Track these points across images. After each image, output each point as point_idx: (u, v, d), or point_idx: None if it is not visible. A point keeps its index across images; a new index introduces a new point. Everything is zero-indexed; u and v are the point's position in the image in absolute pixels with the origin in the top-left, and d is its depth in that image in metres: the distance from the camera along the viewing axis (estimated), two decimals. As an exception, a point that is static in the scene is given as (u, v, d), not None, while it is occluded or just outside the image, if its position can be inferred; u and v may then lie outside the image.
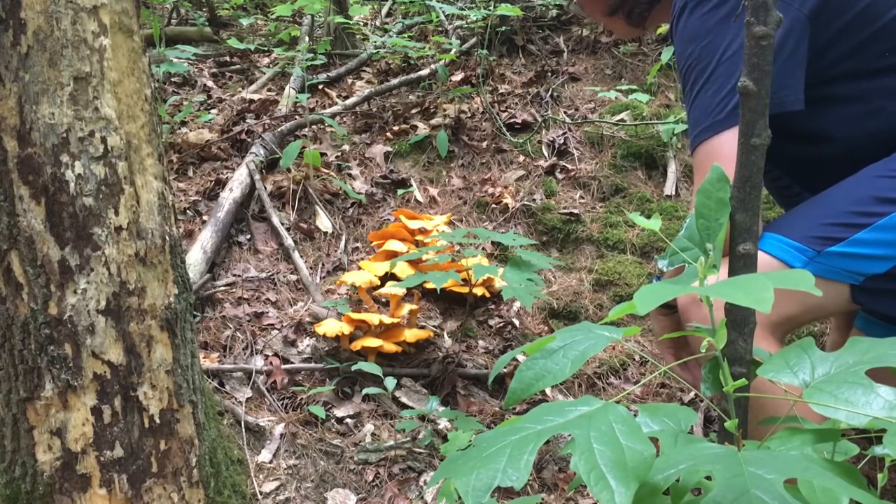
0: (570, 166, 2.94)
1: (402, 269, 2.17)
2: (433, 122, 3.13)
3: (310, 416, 1.79)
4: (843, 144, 1.50)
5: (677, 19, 1.52)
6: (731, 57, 1.42)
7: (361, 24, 4.49)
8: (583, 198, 2.81)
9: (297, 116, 3.13)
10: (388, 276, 2.17)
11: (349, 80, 3.77)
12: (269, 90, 3.70)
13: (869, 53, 1.45)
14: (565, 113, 3.29)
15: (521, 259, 2.01)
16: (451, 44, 3.81)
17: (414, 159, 2.99)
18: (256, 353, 1.99)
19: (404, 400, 1.90)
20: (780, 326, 1.39)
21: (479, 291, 2.23)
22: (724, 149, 1.39)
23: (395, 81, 3.59)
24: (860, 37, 1.44)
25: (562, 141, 3.04)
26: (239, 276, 2.30)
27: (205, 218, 2.52)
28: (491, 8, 3.55)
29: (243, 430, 1.70)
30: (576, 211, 2.69)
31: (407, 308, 2.09)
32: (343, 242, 2.54)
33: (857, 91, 1.47)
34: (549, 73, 3.62)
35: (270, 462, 1.66)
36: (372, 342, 1.92)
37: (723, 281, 0.73)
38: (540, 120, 3.18)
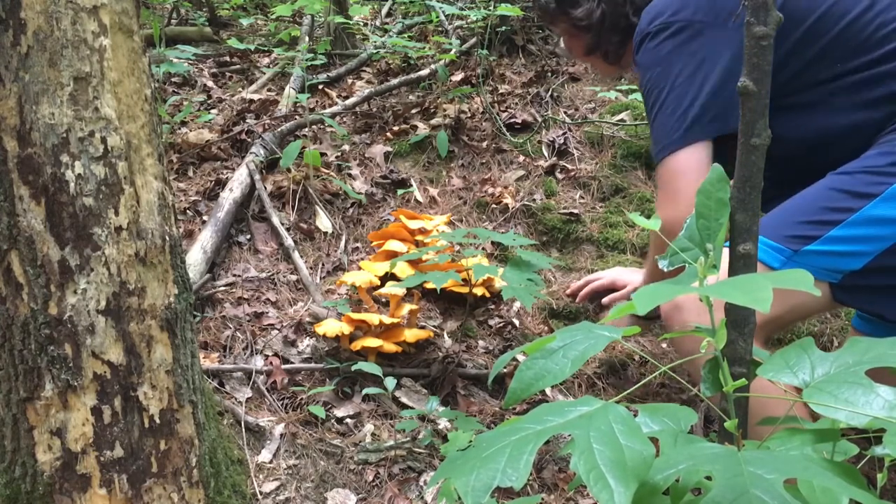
0: (570, 166, 2.94)
1: (402, 269, 2.17)
2: (433, 122, 3.13)
3: (310, 416, 1.79)
4: (803, 148, 1.55)
5: (636, 51, 1.68)
6: (682, 83, 1.57)
7: (361, 24, 4.48)
8: (583, 198, 2.81)
9: (297, 116, 3.13)
10: (388, 276, 2.17)
11: (349, 80, 3.77)
12: (269, 90, 3.70)
13: (819, 67, 1.50)
14: (565, 113, 3.29)
15: (521, 259, 2.01)
16: (451, 44, 3.81)
17: (414, 159, 2.99)
18: (256, 353, 1.99)
19: (404, 400, 1.90)
20: (764, 328, 1.40)
21: (479, 291, 2.23)
22: (681, 165, 1.55)
23: (395, 81, 3.59)
24: (809, 54, 1.50)
25: (562, 141, 3.04)
26: (239, 276, 2.30)
27: (205, 218, 2.52)
28: (491, 8, 3.55)
29: (243, 430, 1.70)
30: (576, 211, 2.69)
31: (407, 308, 2.09)
32: (343, 242, 2.54)
33: (812, 100, 1.53)
34: (549, 73, 3.62)
35: (270, 462, 1.66)
36: (372, 342, 1.92)
37: (721, 281, 0.73)
38: (540, 120, 3.19)
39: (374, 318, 1.96)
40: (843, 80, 1.49)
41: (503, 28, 3.86)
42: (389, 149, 3.00)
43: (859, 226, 1.36)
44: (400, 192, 2.79)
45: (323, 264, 2.44)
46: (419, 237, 2.35)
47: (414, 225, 2.36)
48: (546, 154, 3.03)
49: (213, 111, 3.41)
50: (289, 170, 2.68)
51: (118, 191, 1.16)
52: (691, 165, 1.56)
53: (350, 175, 2.84)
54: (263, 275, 2.32)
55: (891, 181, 1.36)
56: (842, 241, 1.37)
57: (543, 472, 1.74)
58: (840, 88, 1.50)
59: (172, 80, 3.76)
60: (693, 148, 1.57)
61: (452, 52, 3.73)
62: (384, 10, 4.96)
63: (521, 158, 3.01)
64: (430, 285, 1.98)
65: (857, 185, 1.39)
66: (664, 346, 2.18)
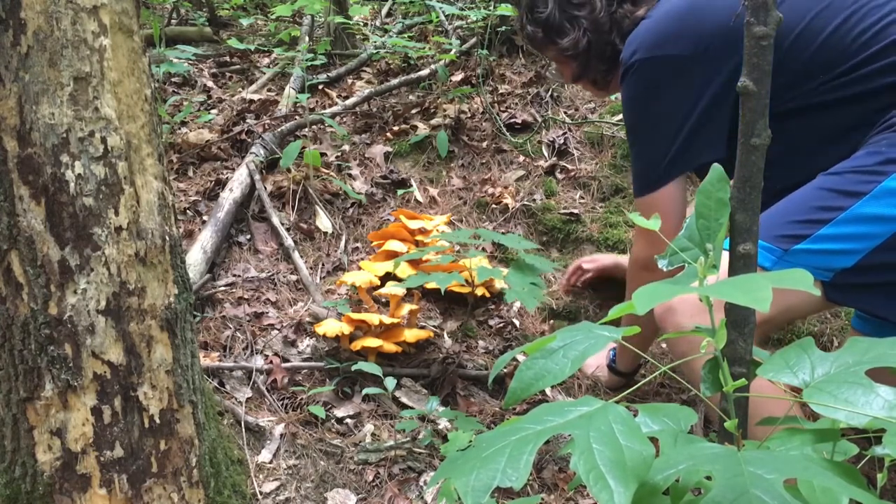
0: (570, 166, 2.94)
1: (403, 269, 2.17)
2: (433, 122, 3.13)
3: (310, 416, 1.79)
4: (796, 151, 1.56)
5: (621, 82, 1.70)
6: (661, 123, 1.64)
7: (361, 24, 4.48)
8: (583, 198, 2.81)
9: (297, 116, 3.13)
10: (388, 276, 2.17)
11: (349, 80, 3.77)
12: (269, 90, 3.70)
13: (803, 80, 1.52)
14: (565, 113, 3.29)
15: (523, 263, 2.02)
16: (451, 44, 3.81)
17: (414, 159, 2.99)
18: (256, 354, 1.99)
19: (404, 400, 1.90)
20: (759, 328, 1.40)
21: (479, 291, 2.23)
22: (659, 205, 1.65)
23: (395, 81, 3.59)
24: (792, 70, 1.50)
25: (562, 141, 3.04)
26: (239, 276, 2.30)
27: (205, 218, 2.52)
28: (491, 8, 3.55)
29: (243, 430, 1.70)
30: (576, 211, 2.69)
31: (407, 308, 2.09)
32: (343, 242, 2.54)
33: (800, 106, 1.53)
34: (549, 73, 3.62)
35: (270, 462, 1.66)
36: (372, 342, 1.92)
37: (721, 281, 0.73)
38: (540, 120, 3.18)
39: (374, 318, 1.96)
40: (828, 86, 1.49)
41: (503, 28, 3.85)
42: (389, 149, 3.00)
43: (849, 224, 1.36)
44: (400, 192, 2.79)
45: (323, 264, 2.44)
46: (419, 237, 2.35)
47: (414, 225, 2.36)
48: (546, 154, 3.03)
49: (213, 111, 3.41)
50: (289, 170, 2.68)
51: (118, 191, 1.16)
52: (668, 207, 1.64)
53: (350, 175, 2.84)
54: (263, 275, 2.32)
55: (879, 179, 1.36)
56: (832, 240, 1.37)
57: (543, 472, 1.74)
58: (825, 94, 1.50)
59: (172, 80, 3.76)
60: (670, 186, 1.66)
61: (452, 52, 3.73)
62: (384, 10, 4.96)
63: (521, 158, 3.00)
64: (430, 285, 1.98)
65: (847, 184, 1.39)
66: (664, 346, 2.18)
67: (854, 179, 1.39)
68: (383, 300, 2.22)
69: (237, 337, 2.04)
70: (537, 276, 1.96)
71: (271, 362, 1.94)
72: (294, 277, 2.33)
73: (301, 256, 2.40)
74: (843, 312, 2.26)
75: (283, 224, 2.51)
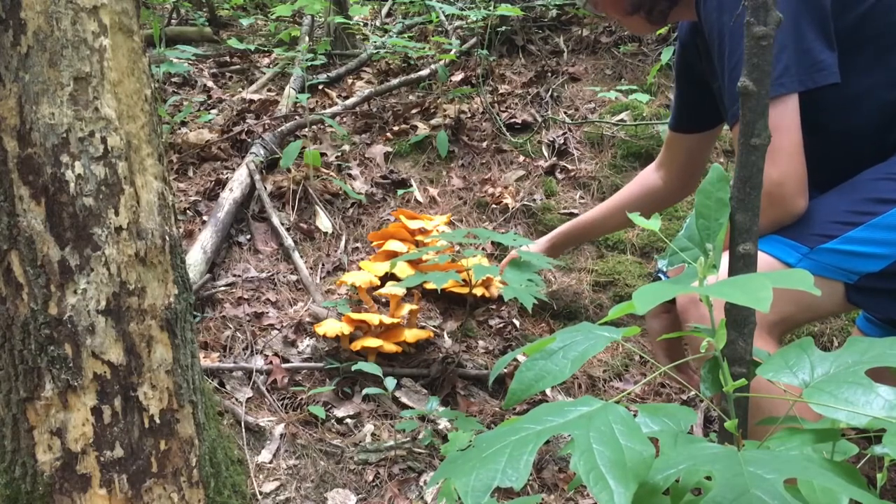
0: (570, 166, 2.94)
1: (402, 269, 2.17)
2: (433, 122, 3.14)
3: (310, 416, 1.79)
4: (837, 135, 1.50)
5: None
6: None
7: (361, 24, 4.49)
8: (583, 198, 2.81)
9: (297, 116, 3.13)
10: (388, 276, 2.17)
11: (349, 81, 3.77)
12: (269, 90, 3.70)
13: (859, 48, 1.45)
14: (565, 113, 3.29)
15: (521, 260, 2.01)
16: (451, 44, 3.81)
17: (414, 159, 2.99)
18: (256, 354, 1.99)
19: (404, 400, 1.90)
20: (777, 326, 1.39)
21: (479, 292, 2.23)
22: (773, 120, 1.32)
23: (395, 81, 3.59)
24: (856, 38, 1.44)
25: (562, 141, 3.04)
26: (239, 276, 2.30)
27: (205, 218, 2.52)
28: (491, 8, 3.55)
29: (243, 430, 1.70)
30: (576, 211, 2.69)
31: (407, 308, 2.09)
32: (343, 242, 2.54)
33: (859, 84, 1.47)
34: (549, 73, 3.62)
35: (270, 462, 1.66)
36: (372, 342, 1.92)
37: (722, 281, 0.73)
38: (540, 120, 3.18)
39: (374, 318, 1.96)
40: None
41: (503, 28, 3.86)
42: (389, 149, 3.00)
43: (880, 229, 1.36)
44: (400, 192, 2.79)
45: (323, 264, 2.44)
46: (419, 237, 2.35)
47: (414, 225, 2.36)
48: (546, 154, 3.03)
49: (213, 111, 3.41)
50: (289, 170, 2.68)
51: (118, 191, 1.15)
52: (784, 120, 1.38)
53: (350, 175, 2.84)
54: (263, 275, 2.32)
55: None
56: (860, 242, 1.36)
57: (543, 472, 1.74)
58: None
59: (172, 80, 3.77)
60: (782, 101, 1.39)
61: (452, 53, 3.73)
62: (384, 10, 4.96)
63: (521, 158, 3.00)
64: (430, 285, 1.98)
65: (881, 191, 1.38)
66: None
67: (888, 187, 1.38)
68: (383, 300, 2.22)
69: (237, 337, 2.04)
70: (534, 272, 1.96)
71: (271, 362, 1.94)
72: (294, 277, 2.33)
73: (301, 256, 2.40)
74: (845, 312, 2.26)
75: (283, 224, 2.51)
